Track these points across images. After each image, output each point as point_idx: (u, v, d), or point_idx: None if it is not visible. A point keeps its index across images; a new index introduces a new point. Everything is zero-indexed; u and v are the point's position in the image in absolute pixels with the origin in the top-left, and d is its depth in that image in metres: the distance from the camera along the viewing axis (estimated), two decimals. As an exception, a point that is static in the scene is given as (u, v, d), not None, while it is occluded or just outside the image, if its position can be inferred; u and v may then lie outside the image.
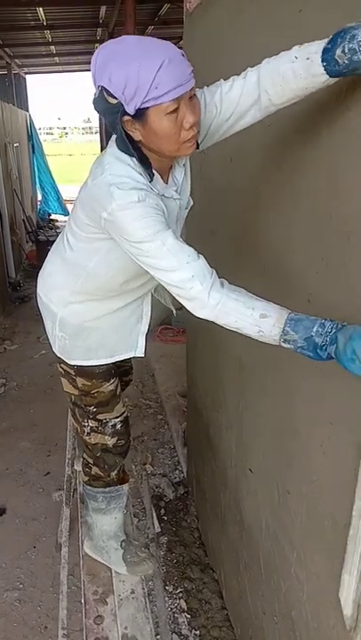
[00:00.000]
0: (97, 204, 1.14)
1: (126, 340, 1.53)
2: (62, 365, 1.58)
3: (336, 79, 0.93)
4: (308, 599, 1.33)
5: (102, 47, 1.05)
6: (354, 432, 1.06)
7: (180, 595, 2.23)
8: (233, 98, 1.11)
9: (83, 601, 1.67)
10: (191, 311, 1.10)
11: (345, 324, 0.94)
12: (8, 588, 2.31)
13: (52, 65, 10.80)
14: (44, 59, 9.70)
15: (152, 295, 1.56)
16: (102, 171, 1.13)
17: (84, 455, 1.74)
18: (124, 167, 1.12)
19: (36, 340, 4.84)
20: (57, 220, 10.19)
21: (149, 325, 1.55)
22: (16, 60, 9.66)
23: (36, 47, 8.48)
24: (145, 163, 1.14)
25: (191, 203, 1.35)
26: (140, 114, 1.03)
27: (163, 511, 2.70)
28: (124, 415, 1.65)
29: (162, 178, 1.22)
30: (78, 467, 2.25)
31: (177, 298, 1.13)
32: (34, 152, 10.13)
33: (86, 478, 1.76)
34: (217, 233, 1.93)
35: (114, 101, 1.03)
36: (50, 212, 10.41)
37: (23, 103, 10.89)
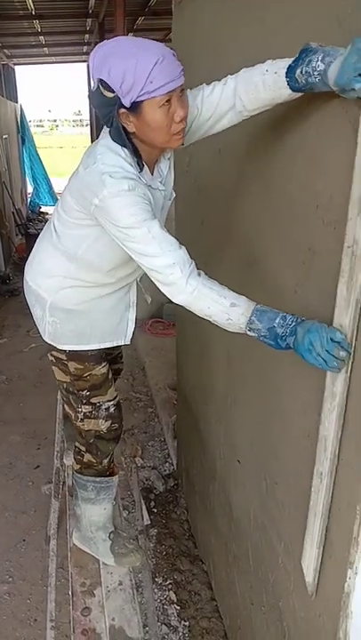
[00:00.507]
0: (88, 191, 1.20)
1: (116, 326, 1.57)
2: (53, 352, 1.59)
3: (300, 93, 1.04)
4: (295, 589, 1.34)
5: (100, 45, 1.14)
6: (339, 423, 1.06)
7: (170, 586, 2.24)
8: (213, 101, 1.22)
9: (70, 593, 1.67)
10: (169, 296, 1.19)
11: (304, 319, 1.05)
12: (-3, 582, 2.31)
13: (41, 56, 10.68)
14: (33, 49, 9.58)
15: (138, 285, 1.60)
16: (95, 160, 1.20)
17: (77, 443, 1.75)
18: (115, 157, 1.20)
19: (26, 334, 4.81)
20: (47, 213, 10.11)
21: (137, 314, 1.60)
22: (5, 51, 9.54)
23: (24, 37, 8.37)
24: (136, 154, 1.22)
25: (174, 195, 1.43)
26: (136, 106, 1.12)
27: (152, 503, 2.71)
28: (117, 399, 1.67)
29: (149, 169, 1.30)
30: (67, 461, 2.24)
31: (157, 283, 1.21)
32: (24, 144, 10.04)
33: (78, 466, 1.77)
34: (206, 223, 1.93)
35: (111, 95, 1.12)
36: (41, 203, 10.33)
37: (12, 94, 10.78)
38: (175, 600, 2.18)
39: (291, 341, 1.05)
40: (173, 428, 3.07)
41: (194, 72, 1.83)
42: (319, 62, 0.93)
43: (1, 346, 4.74)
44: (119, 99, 1.11)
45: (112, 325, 1.56)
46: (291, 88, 1.04)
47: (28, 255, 1.63)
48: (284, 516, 1.37)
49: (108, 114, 1.16)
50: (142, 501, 2.32)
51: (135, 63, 1.07)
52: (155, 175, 1.32)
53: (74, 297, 1.48)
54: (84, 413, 1.63)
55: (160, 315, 4.71)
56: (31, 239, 6.66)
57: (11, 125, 8.71)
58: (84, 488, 1.76)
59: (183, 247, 1.18)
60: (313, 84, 0.97)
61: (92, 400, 1.61)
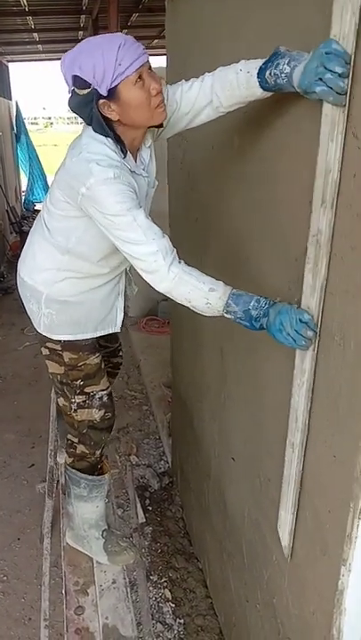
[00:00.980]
0: (76, 181, 1.25)
1: (108, 315, 1.62)
2: (47, 344, 1.61)
3: (271, 93, 1.12)
4: (289, 586, 1.34)
5: (66, 54, 1.23)
6: (331, 421, 1.05)
7: (165, 584, 2.24)
8: (191, 97, 1.31)
9: (64, 592, 1.66)
10: (151, 283, 1.25)
11: (276, 301, 1.14)
12: (-9, 581, 2.30)
13: (35, 53, 10.59)
14: (26, 46, 9.51)
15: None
16: (80, 150, 1.26)
17: (69, 436, 1.75)
18: (101, 146, 1.26)
19: (20, 332, 4.79)
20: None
21: (125, 302, 1.66)
22: (-2, 48, 9.47)
23: (18, 34, 8.30)
24: (119, 141, 1.28)
25: (157, 183, 1.48)
26: (113, 92, 1.19)
27: (147, 501, 2.70)
28: (110, 389, 1.70)
29: (132, 157, 1.36)
30: (61, 459, 2.23)
31: (140, 272, 1.26)
32: (18, 141, 9.98)
33: (70, 460, 1.77)
34: (200, 220, 1.92)
35: (85, 91, 1.19)
36: (36, 200, 10.27)
37: (6, 92, 10.69)
38: (170, 598, 2.17)
39: (264, 322, 1.14)
40: (168, 425, 3.06)
41: (188, 68, 1.83)
42: (286, 66, 1.02)
43: (-5, 344, 4.72)
44: (96, 90, 1.19)
45: (104, 315, 1.61)
46: (262, 88, 1.12)
47: None
48: (278, 512, 1.37)
49: (89, 112, 1.23)
50: (137, 499, 2.32)
51: (101, 52, 1.15)
52: (137, 163, 1.39)
53: (68, 289, 1.51)
54: (78, 404, 1.64)
55: (155, 313, 4.70)
56: (25, 237, 6.60)
57: (4, 123, 8.66)
58: (76, 484, 1.75)
59: (166, 236, 1.23)
60: (281, 86, 1.05)
61: (86, 390, 1.63)
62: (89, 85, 1.18)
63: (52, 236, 1.46)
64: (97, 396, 1.64)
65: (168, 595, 2.18)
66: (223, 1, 1.50)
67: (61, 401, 1.69)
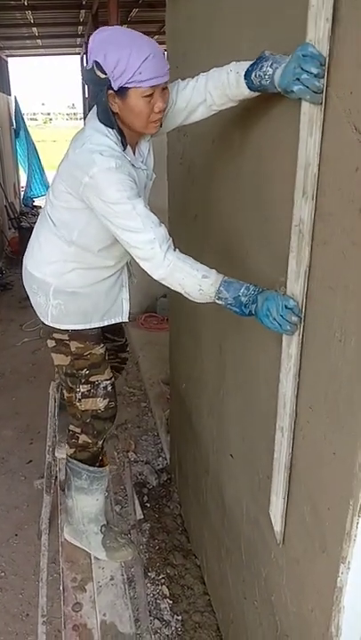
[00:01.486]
0: (79, 171, 1.31)
1: (114, 305, 1.67)
2: (54, 335, 1.65)
3: (258, 93, 1.19)
4: (287, 584, 1.33)
5: (101, 30, 1.27)
6: (331, 418, 1.05)
7: (163, 581, 2.24)
8: (186, 95, 1.37)
9: (61, 588, 1.66)
10: (148, 270, 1.30)
11: (264, 289, 1.20)
12: (-11, 577, 2.29)
13: (34, 47, 10.55)
14: (25, 41, 9.46)
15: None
16: (83, 142, 1.32)
17: (71, 427, 1.77)
18: (103, 138, 1.32)
19: (19, 328, 4.78)
20: (40, 207, 10.03)
21: (130, 293, 1.71)
22: (-3, 42, 9.42)
23: (17, 28, 8.26)
24: (121, 133, 1.35)
25: (154, 176, 1.53)
26: (122, 91, 1.26)
27: (146, 498, 2.70)
28: (113, 379, 1.74)
29: (131, 149, 1.42)
30: (60, 454, 2.23)
31: (137, 260, 1.32)
32: (17, 136, 9.94)
33: (72, 450, 1.79)
34: (200, 217, 1.91)
35: (103, 76, 1.24)
36: (34, 196, 10.24)
37: (5, 87, 10.64)
38: (168, 594, 2.17)
39: (253, 308, 1.20)
40: (167, 422, 3.06)
41: (188, 64, 1.82)
42: (269, 68, 1.10)
43: (-7, 340, 4.71)
44: (109, 81, 1.24)
45: (109, 305, 1.66)
46: (249, 88, 1.19)
47: (21, 249, 1.65)
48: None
49: (98, 94, 1.29)
50: (135, 496, 2.31)
51: (129, 54, 1.19)
52: (136, 155, 1.44)
53: (76, 280, 1.56)
54: (83, 393, 1.67)
55: (154, 309, 4.69)
56: (24, 233, 6.60)
57: (3, 118, 8.62)
58: (78, 476, 1.77)
59: (163, 224, 1.29)
60: (265, 86, 1.13)
61: (91, 379, 1.66)
62: (106, 73, 1.23)
63: (57, 229, 1.50)
64: (102, 385, 1.68)
65: (166, 591, 2.18)
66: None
67: (66, 392, 1.72)
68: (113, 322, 1.68)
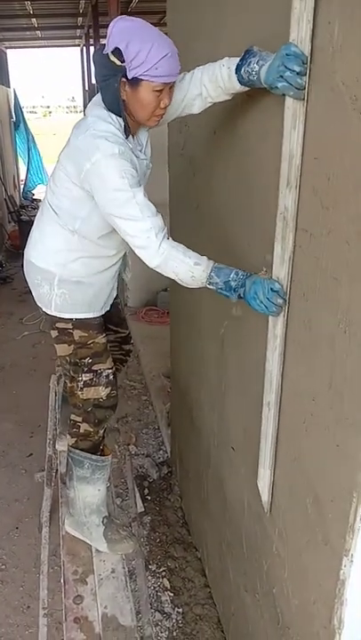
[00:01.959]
0: (81, 156, 1.34)
1: (109, 295, 1.73)
2: (57, 325, 1.67)
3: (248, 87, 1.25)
4: (289, 576, 1.33)
5: (124, 19, 1.31)
6: (335, 409, 1.04)
7: (164, 573, 2.24)
8: (184, 87, 1.41)
9: (62, 581, 1.66)
10: (143, 259, 1.35)
11: (252, 274, 1.27)
12: (-10, 569, 2.30)
13: (34, 39, 10.49)
14: (25, 32, 9.41)
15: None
16: (87, 128, 1.35)
17: (72, 416, 1.79)
18: (107, 125, 1.35)
19: (19, 322, 4.76)
20: (40, 200, 9.99)
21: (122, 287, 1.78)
22: (-4, 34, 9.35)
23: (16, 19, 8.20)
24: (125, 120, 1.38)
25: (151, 165, 1.57)
26: (135, 81, 1.30)
27: (146, 491, 2.70)
28: (114, 368, 1.78)
29: (132, 138, 1.46)
30: (60, 446, 2.22)
31: (133, 248, 1.37)
32: (17, 129, 9.88)
33: (73, 440, 1.80)
34: (201, 207, 1.89)
35: (119, 63, 1.28)
36: (32, 188, 10.20)
37: (4, 79, 10.57)
38: (169, 587, 2.17)
39: (242, 292, 1.27)
40: (167, 415, 3.06)
41: (188, 56, 1.79)
42: (255, 64, 1.16)
43: (-7, 334, 4.69)
44: (125, 69, 1.28)
45: (107, 294, 1.71)
46: (239, 82, 1.25)
47: (21, 242, 1.66)
48: (279, 502, 1.36)
49: (110, 77, 1.32)
50: (136, 489, 2.32)
51: (150, 47, 1.24)
52: (136, 144, 1.48)
53: (81, 269, 1.59)
54: (85, 382, 1.70)
55: (154, 303, 4.67)
56: (24, 226, 6.56)
57: (3, 111, 8.56)
58: (80, 465, 1.78)
59: (159, 214, 1.34)
60: (253, 81, 1.20)
61: (94, 367, 1.69)
62: (123, 61, 1.27)
63: (60, 218, 1.52)
64: (104, 374, 1.71)
65: (167, 584, 2.18)
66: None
67: (68, 382, 1.75)
68: (106, 310, 1.74)
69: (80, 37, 10.46)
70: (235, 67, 1.24)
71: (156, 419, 3.30)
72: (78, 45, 11.56)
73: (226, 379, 1.74)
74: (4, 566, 2.32)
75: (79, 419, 1.76)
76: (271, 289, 1.19)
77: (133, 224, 1.33)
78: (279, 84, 1.07)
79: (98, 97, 1.43)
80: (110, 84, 1.33)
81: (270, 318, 1.26)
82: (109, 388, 1.73)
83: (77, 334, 1.66)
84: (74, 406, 1.77)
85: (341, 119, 0.94)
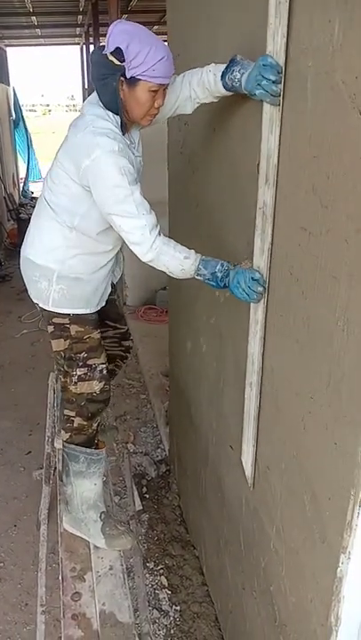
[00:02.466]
0: (81, 153, 1.39)
1: (106, 289, 1.77)
2: (54, 320, 1.69)
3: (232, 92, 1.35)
4: (286, 574, 1.33)
5: (123, 22, 1.39)
6: (333, 407, 1.04)
7: (161, 571, 2.24)
8: (175, 89, 1.49)
9: (60, 578, 1.66)
10: (137, 254, 1.43)
11: (236, 264, 1.38)
12: (-12, 567, 2.30)
13: (33, 37, 10.47)
14: (24, 30, 9.39)
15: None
16: (85, 125, 1.40)
17: (66, 411, 1.81)
18: (105, 122, 1.41)
19: (18, 320, 4.76)
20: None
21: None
22: (-4, 31, 9.33)
23: (15, 17, 8.18)
24: (121, 118, 1.43)
25: (142, 163, 1.61)
26: (133, 81, 1.37)
27: (144, 489, 2.70)
28: (107, 364, 1.82)
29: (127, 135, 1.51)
30: (58, 444, 2.22)
31: (128, 243, 1.44)
32: (17, 127, 9.86)
33: (67, 435, 1.82)
34: (201, 205, 1.89)
35: (118, 63, 1.35)
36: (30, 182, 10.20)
37: (4, 77, 10.55)
38: (166, 585, 2.18)
39: (226, 282, 1.38)
40: (166, 414, 3.06)
41: (188, 53, 1.80)
42: (237, 73, 1.28)
43: (-8, 332, 4.69)
44: (124, 69, 1.35)
45: (103, 290, 1.74)
46: (224, 88, 1.35)
47: (20, 241, 1.70)
48: (276, 500, 1.36)
49: (106, 75, 1.38)
50: (134, 487, 2.32)
51: (149, 49, 1.32)
52: (130, 142, 1.52)
53: (79, 266, 1.62)
54: (79, 376, 1.73)
55: (153, 301, 4.67)
56: (23, 224, 6.55)
57: (2, 109, 8.55)
58: (75, 460, 1.79)
59: (153, 212, 1.42)
60: (236, 88, 1.31)
61: (89, 362, 1.73)
62: (123, 61, 1.34)
63: (58, 215, 1.55)
64: (98, 369, 1.74)
65: (164, 582, 2.19)
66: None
67: (61, 377, 1.77)
68: (101, 305, 1.77)
69: (80, 36, 10.45)
70: (220, 73, 1.34)
71: (155, 417, 3.30)
72: (78, 44, 11.54)
73: (224, 376, 1.74)
74: (2, 564, 2.33)
75: (72, 413, 1.79)
76: (252, 278, 1.30)
77: (129, 221, 1.39)
78: (257, 92, 1.18)
79: (93, 96, 1.47)
80: (109, 83, 1.38)
81: (252, 305, 1.37)
82: (103, 383, 1.76)
83: (74, 329, 1.69)
84: (67, 401, 1.80)
85: (341, 117, 0.94)
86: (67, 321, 1.68)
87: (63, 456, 1.84)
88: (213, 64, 1.41)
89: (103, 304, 1.78)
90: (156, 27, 8.25)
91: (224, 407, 1.76)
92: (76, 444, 1.81)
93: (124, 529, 1.83)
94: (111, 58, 1.35)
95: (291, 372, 1.24)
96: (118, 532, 1.80)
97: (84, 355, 1.71)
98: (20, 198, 9.44)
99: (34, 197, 9.90)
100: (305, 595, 1.23)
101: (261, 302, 1.33)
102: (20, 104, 10.12)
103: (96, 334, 1.73)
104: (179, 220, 2.21)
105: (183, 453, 2.47)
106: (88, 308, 1.70)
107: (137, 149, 1.57)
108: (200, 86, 1.45)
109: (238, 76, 1.28)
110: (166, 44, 2.11)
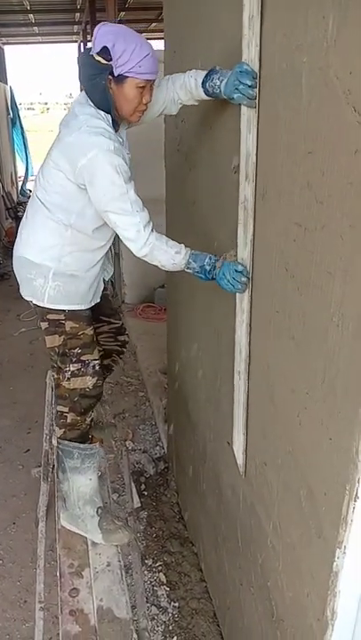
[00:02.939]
0: (76, 153, 1.43)
1: (99, 285, 1.82)
2: (49, 316, 1.72)
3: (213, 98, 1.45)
4: (283, 569, 1.34)
5: (107, 24, 1.45)
6: (328, 403, 1.04)
7: (160, 568, 2.25)
8: (162, 90, 1.58)
9: (58, 574, 1.67)
10: (132, 249, 1.50)
11: (221, 257, 1.47)
12: (-13, 564, 2.30)
13: (31, 35, 10.43)
14: (22, 28, 9.36)
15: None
16: (79, 125, 1.44)
17: (59, 407, 1.84)
18: (99, 121, 1.45)
19: (16, 318, 4.76)
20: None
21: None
22: (-7, 29, 9.30)
23: (12, 15, 8.16)
24: (112, 116, 1.48)
25: (130, 162, 1.63)
26: (121, 79, 1.43)
27: (143, 486, 2.71)
28: (100, 360, 1.86)
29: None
30: (56, 442, 2.22)
31: (123, 239, 1.51)
32: (14, 126, 9.84)
33: (61, 432, 1.84)
34: (198, 203, 1.89)
35: (105, 63, 1.40)
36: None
37: (2, 75, 10.53)
38: (165, 581, 2.18)
39: (214, 274, 1.46)
40: (164, 411, 3.06)
41: (184, 50, 1.81)
42: (217, 80, 1.39)
43: (-10, 330, 4.69)
44: (112, 67, 1.40)
45: (96, 286, 1.79)
46: (205, 94, 1.45)
47: None
48: (273, 496, 1.37)
49: (95, 75, 1.43)
50: (132, 484, 2.32)
51: (134, 47, 1.39)
52: (121, 140, 1.56)
53: (74, 263, 1.66)
54: (72, 372, 1.76)
55: (152, 299, 4.67)
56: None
57: (0, 107, 8.54)
58: (69, 456, 1.81)
59: (146, 209, 1.49)
60: (216, 94, 1.41)
61: (82, 358, 1.76)
62: (110, 60, 1.40)
63: (53, 214, 1.58)
64: (91, 365, 1.78)
65: (163, 578, 2.19)
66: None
67: (54, 373, 1.80)
68: (95, 302, 1.81)
69: (77, 33, 10.41)
70: (201, 80, 1.44)
71: (153, 415, 3.31)
72: (76, 41, 11.51)
73: (221, 373, 1.74)
74: (1, 561, 2.33)
75: (65, 409, 1.81)
76: (235, 270, 1.38)
77: (125, 218, 1.46)
78: (235, 96, 1.28)
79: (82, 96, 1.50)
80: (98, 83, 1.44)
81: (237, 295, 1.44)
82: (95, 378, 1.79)
83: (69, 325, 1.72)
84: (60, 397, 1.82)
85: (335, 113, 0.94)
86: (62, 317, 1.71)
87: (58, 453, 1.85)
88: (194, 70, 1.51)
89: (97, 300, 1.81)
90: (153, 24, 8.23)
91: (221, 404, 1.77)
92: (70, 440, 1.83)
93: (122, 524, 1.84)
94: (98, 58, 1.40)
95: (287, 368, 1.24)
96: (115, 527, 1.81)
97: (77, 350, 1.74)
98: (18, 197, 9.43)
99: (32, 196, 9.87)
100: (301, 589, 1.23)
101: (247, 292, 1.39)
102: (17, 103, 10.09)
103: (90, 330, 1.76)
104: (176, 217, 2.21)
105: (181, 450, 2.48)
106: (83, 304, 1.73)
107: (125, 145, 1.60)
108: (183, 89, 1.54)
109: (218, 83, 1.38)
110: (163, 41, 2.12)
